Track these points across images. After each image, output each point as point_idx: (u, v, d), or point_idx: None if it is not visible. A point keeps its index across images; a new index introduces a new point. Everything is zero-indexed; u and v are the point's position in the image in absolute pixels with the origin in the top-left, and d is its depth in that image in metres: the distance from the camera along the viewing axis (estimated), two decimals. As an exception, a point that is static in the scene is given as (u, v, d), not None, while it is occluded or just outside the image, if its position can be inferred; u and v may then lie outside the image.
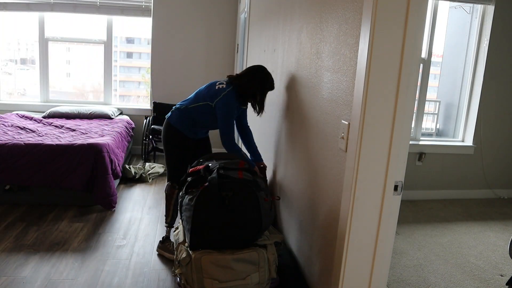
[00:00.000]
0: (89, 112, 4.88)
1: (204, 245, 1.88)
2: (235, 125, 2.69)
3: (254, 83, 2.46)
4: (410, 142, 3.90)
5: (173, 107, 2.64)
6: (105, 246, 2.75)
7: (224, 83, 2.51)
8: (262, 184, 2.02)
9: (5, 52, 5.52)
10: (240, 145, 3.21)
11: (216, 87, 2.49)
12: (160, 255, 2.66)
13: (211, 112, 2.50)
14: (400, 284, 2.43)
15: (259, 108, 2.53)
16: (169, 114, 2.62)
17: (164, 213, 2.83)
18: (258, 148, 2.78)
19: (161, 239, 2.72)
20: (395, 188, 1.58)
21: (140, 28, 5.90)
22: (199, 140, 2.76)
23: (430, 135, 4.47)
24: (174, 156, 2.60)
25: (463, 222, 3.55)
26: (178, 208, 2.19)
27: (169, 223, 2.69)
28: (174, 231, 2.30)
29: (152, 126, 4.74)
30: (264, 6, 3.30)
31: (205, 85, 2.59)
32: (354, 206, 1.54)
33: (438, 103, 4.50)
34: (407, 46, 1.44)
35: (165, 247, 2.67)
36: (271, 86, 2.54)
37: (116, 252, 2.67)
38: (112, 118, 4.86)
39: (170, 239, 2.69)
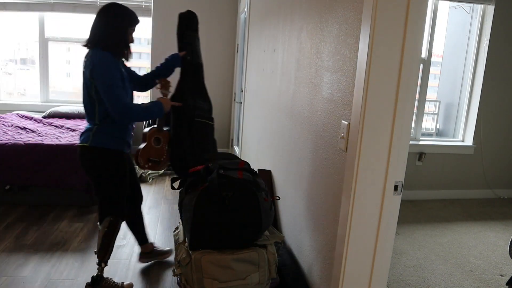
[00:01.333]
0: (89, 112, 4.87)
1: (204, 245, 1.88)
2: (133, 90, 2.21)
3: (112, 26, 2.01)
4: (410, 142, 3.90)
5: (84, 132, 2.12)
6: (105, 246, 2.75)
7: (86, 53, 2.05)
8: (262, 184, 2.02)
9: (5, 52, 5.52)
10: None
11: (83, 69, 2.03)
12: None
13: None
14: (400, 284, 2.43)
15: (127, 52, 2.12)
16: (86, 139, 2.08)
17: (98, 248, 2.19)
18: (259, 149, 2.76)
19: (91, 282, 2.16)
20: (395, 188, 1.58)
21: (140, 28, 5.89)
22: (128, 154, 2.31)
23: (430, 135, 4.47)
24: (115, 182, 2.13)
25: (463, 222, 3.55)
26: (178, 209, 2.18)
27: (106, 261, 2.20)
28: (174, 231, 2.30)
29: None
30: (264, 6, 3.30)
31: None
32: (354, 206, 1.54)
33: (438, 103, 4.50)
34: (407, 46, 1.44)
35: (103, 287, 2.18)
36: (133, 21, 2.09)
37: (116, 252, 2.67)
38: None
39: (104, 277, 2.21)
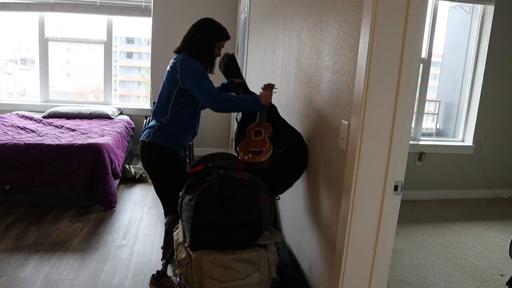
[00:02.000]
0: (89, 112, 4.88)
1: (204, 245, 1.88)
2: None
3: (201, 34, 2.19)
4: (410, 142, 3.90)
5: (146, 129, 2.28)
6: (105, 246, 2.75)
7: (175, 57, 2.24)
8: (262, 184, 2.02)
9: (5, 52, 5.52)
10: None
11: (169, 68, 2.22)
12: None
13: (188, 95, 2.15)
14: (400, 284, 2.43)
15: (210, 63, 2.29)
16: (147, 134, 2.24)
17: (162, 245, 2.38)
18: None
19: (155, 274, 2.21)
20: (395, 188, 1.58)
21: (140, 28, 5.90)
22: (183, 157, 2.43)
23: (430, 135, 4.47)
24: (171, 182, 2.22)
25: (463, 222, 3.55)
26: (178, 209, 2.18)
27: (168, 258, 2.32)
28: (174, 231, 2.30)
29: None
30: (264, 6, 3.30)
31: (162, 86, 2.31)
32: (354, 206, 1.54)
33: (438, 103, 4.50)
34: (407, 46, 1.44)
35: (160, 284, 2.21)
36: (221, 35, 2.24)
37: (116, 252, 2.67)
38: (112, 118, 4.86)
39: (167, 275, 2.24)
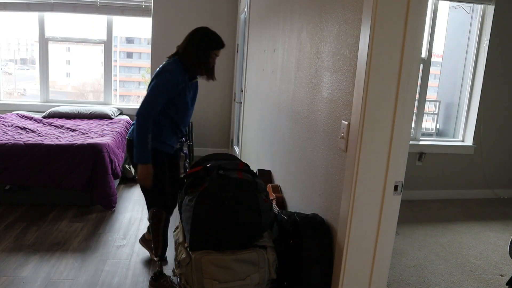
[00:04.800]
0: (89, 112, 4.88)
1: (204, 245, 1.88)
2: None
3: (194, 44, 2.17)
4: (410, 142, 3.89)
5: (131, 126, 2.27)
6: (105, 246, 2.75)
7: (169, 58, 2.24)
8: (262, 185, 2.02)
9: (5, 52, 5.52)
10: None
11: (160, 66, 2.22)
12: None
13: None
14: (400, 284, 2.43)
15: (206, 71, 2.26)
16: (130, 132, 2.26)
17: (152, 245, 2.35)
18: (259, 149, 2.76)
19: (153, 275, 2.28)
20: (395, 188, 1.58)
21: (140, 28, 5.90)
22: (172, 155, 2.41)
23: (430, 135, 4.47)
24: (155, 178, 2.17)
25: (463, 222, 3.55)
26: (178, 209, 2.18)
27: (160, 255, 2.30)
28: (174, 231, 2.30)
29: None
30: (264, 6, 3.30)
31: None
32: (354, 206, 1.54)
33: (438, 103, 4.50)
34: (407, 46, 1.44)
35: (160, 284, 2.25)
36: (214, 44, 2.22)
37: (116, 252, 2.67)
38: (112, 118, 4.86)
39: (164, 274, 2.30)
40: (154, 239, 2.28)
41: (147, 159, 2.08)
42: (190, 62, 2.18)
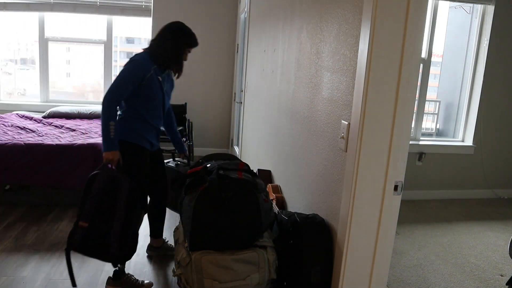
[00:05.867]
0: (89, 112, 4.88)
1: (204, 245, 1.87)
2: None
3: (167, 38, 2.17)
4: (410, 142, 3.89)
5: None
6: (105, 246, 2.74)
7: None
8: (262, 185, 2.02)
9: (5, 52, 5.52)
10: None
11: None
12: None
13: (137, 89, 2.11)
14: (400, 284, 2.43)
15: (177, 66, 2.24)
16: None
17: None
18: (259, 149, 2.76)
19: (112, 275, 2.20)
20: (395, 188, 1.58)
21: (140, 28, 5.90)
22: (153, 153, 2.39)
23: (430, 135, 4.47)
24: (132, 174, 2.12)
25: (463, 222, 3.55)
26: (178, 209, 2.18)
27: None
28: (174, 231, 2.30)
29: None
30: (264, 6, 3.30)
31: None
32: (354, 206, 1.54)
33: (438, 103, 4.50)
34: (407, 46, 1.44)
35: (120, 283, 2.19)
36: (189, 41, 2.22)
37: (116, 252, 2.67)
38: (112, 118, 4.85)
39: (126, 273, 2.25)
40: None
41: (108, 146, 2.03)
42: (164, 55, 2.17)
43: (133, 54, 2.18)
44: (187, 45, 2.23)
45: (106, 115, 2.01)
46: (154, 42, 2.21)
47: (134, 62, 2.11)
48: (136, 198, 2.04)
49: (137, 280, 2.27)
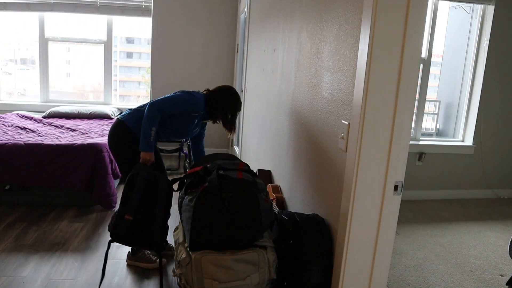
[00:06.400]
0: (89, 112, 4.88)
1: (204, 245, 1.88)
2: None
3: (227, 101, 2.51)
4: (410, 142, 3.90)
5: (129, 109, 2.51)
6: (105, 246, 2.74)
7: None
8: (262, 185, 2.02)
9: (5, 52, 5.52)
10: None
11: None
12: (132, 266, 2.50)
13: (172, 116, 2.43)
14: (400, 284, 2.43)
15: (231, 127, 2.57)
16: (124, 113, 2.48)
17: None
18: (259, 149, 2.78)
19: (130, 250, 2.52)
20: (395, 188, 1.58)
21: (140, 28, 5.90)
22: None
23: (430, 135, 4.47)
24: (126, 162, 2.40)
25: (463, 222, 3.55)
26: (178, 209, 2.18)
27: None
28: (174, 231, 2.30)
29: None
30: (264, 6, 3.30)
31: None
32: (354, 206, 1.54)
33: (438, 103, 4.50)
34: (407, 46, 1.44)
35: (138, 258, 2.51)
36: (239, 108, 2.60)
37: (116, 252, 2.67)
38: (112, 118, 4.86)
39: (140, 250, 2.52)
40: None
41: (148, 148, 2.32)
42: (218, 109, 2.50)
43: (191, 91, 2.47)
44: (238, 111, 2.59)
45: (151, 120, 2.29)
46: (214, 95, 2.51)
47: (192, 98, 2.41)
48: (172, 190, 2.25)
49: (151, 257, 2.51)
